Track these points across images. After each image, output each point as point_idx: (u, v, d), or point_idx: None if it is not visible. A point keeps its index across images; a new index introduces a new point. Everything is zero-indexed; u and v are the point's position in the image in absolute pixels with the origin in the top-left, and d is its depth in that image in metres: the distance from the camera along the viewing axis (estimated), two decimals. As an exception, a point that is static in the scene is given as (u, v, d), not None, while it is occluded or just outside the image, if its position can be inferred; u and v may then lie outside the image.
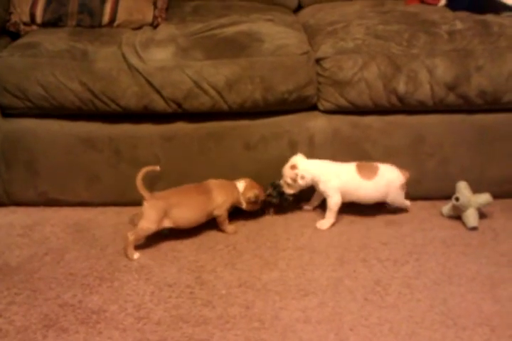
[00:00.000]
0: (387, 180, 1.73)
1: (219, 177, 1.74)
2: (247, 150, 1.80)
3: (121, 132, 1.77)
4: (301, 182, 1.72)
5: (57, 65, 1.69)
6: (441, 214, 1.80)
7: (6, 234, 1.74)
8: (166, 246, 1.67)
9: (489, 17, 1.88)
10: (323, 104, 1.78)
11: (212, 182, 1.71)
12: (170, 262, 1.60)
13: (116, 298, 1.46)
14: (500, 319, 1.39)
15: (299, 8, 2.24)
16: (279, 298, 1.46)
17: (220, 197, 1.69)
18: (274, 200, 1.78)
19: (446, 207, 1.79)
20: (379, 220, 1.80)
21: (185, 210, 1.63)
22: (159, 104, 1.70)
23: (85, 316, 1.40)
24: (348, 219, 1.81)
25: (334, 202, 1.75)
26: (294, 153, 1.79)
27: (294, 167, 1.73)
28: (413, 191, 1.82)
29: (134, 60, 1.68)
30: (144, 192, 1.59)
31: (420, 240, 1.70)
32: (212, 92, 1.69)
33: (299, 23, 2.01)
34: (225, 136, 1.78)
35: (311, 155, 1.80)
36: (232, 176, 1.77)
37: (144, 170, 1.61)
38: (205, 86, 1.68)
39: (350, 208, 1.82)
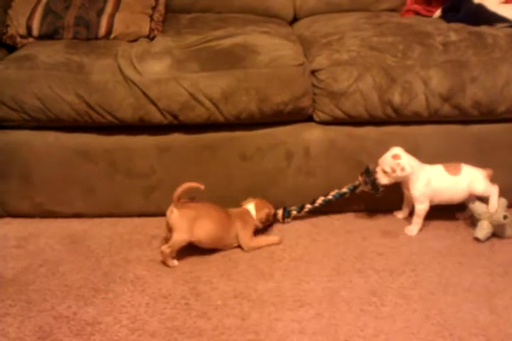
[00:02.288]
0: (471, 173, 1.74)
1: (215, 188, 1.74)
2: (243, 161, 1.80)
3: (116, 144, 1.77)
4: (399, 174, 1.69)
5: (54, 78, 1.70)
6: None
7: (0, 245, 1.73)
8: (161, 256, 1.66)
9: (483, 28, 1.90)
10: (318, 115, 1.79)
11: (233, 212, 1.72)
12: (165, 273, 1.59)
13: (110, 309, 1.45)
14: (496, 329, 1.39)
15: (294, 20, 2.26)
16: (275, 309, 1.45)
17: (240, 225, 1.69)
18: (367, 188, 1.75)
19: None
20: (375, 230, 1.80)
21: (211, 224, 1.62)
22: (155, 116, 1.70)
23: (80, 328, 1.39)
24: (344, 229, 1.81)
25: (423, 208, 1.75)
26: (290, 164, 1.80)
27: (396, 157, 1.70)
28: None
29: (130, 72, 1.69)
30: (176, 201, 1.59)
31: (416, 250, 1.70)
32: (208, 104, 1.70)
33: (295, 35, 2.02)
34: (221, 147, 1.79)
35: (306, 166, 1.80)
36: (228, 187, 1.78)
37: (188, 185, 1.59)
38: (201, 98, 1.69)
39: (346, 218, 1.83)
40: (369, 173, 1.73)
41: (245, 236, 1.69)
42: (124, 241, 1.70)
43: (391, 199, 1.83)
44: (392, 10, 2.24)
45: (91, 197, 1.82)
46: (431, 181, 1.73)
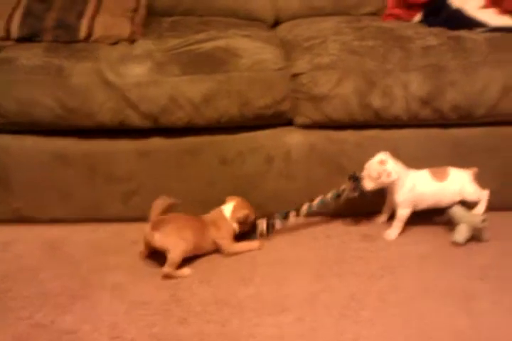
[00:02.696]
0: (459, 177, 1.75)
1: (196, 192, 1.74)
2: (223, 165, 1.80)
3: (96, 148, 1.76)
4: (385, 180, 1.69)
5: (33, 81, 1.68)
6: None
7: (-22, 252, 1.71)
8: (141, 263, 1.65)
9: (463, 33, 1.91)
10: (299, 119, 1.79)
11: (207, 218, 1.71)
12: (145, 279, 1.58)
13: (89, 317, 1.44)
14: (475, 333, 1.40)
15: (276, 23, 2.26)
16: (255, 315, 1.45)
17: (215, 231, 1.68)
18: (354, 194, 1.73)
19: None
20: (354, 234, 1.80)
21: (189, 234, 1.61)
22: (135, 120, 1.69)
23: (57, 337, 1.37)
24: (324, 233, 1.81)
25: (405, 213, 1.76)
26: (270, 168, 1.80)
27: (383, 162, 1.70)
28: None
29: (110, 76, 1.68)
30: (155, 216, 1.58)
31: (395, 254, 1.70)
32: (189, 107, 1.69)
33: (277, 39, 2.02)
34: (201, 151, 1.78)
35: (287, 170, 1.80)
36: (208, 191, 1.77)
37: (170, 201, 1.60)
38: (182, 101, 1.68)
39: (326, 222, 1.84)
40: (356, 179, 1.72)
41: (223, 242, 1.69)
42: (104, 247, 1.68)
43: (371, 203, 1.84)
44: (374, 14, 2.25)
45: (70, 202, 1.80)
46: (415, 187, 1.74)
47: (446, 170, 1.77)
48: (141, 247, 1.67)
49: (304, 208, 1.76)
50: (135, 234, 1.75)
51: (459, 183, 1.75)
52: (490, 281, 1.59)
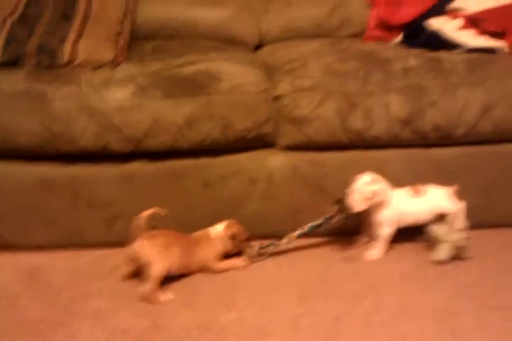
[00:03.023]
0: (436, 193, 1.77)
1: (178, 215, 1.73)
2: (206, 189, 1.80)
3: (79, 173, 1.75)
4: (377, 200, 1.70)
5: (15, 106, 1.68)
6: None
7: (-43, 279, 1.69)
8: (122, 288, 1.63)
9: (442, 54, 1.94)
10: (281, 141, 1.81)
11: (195, 236, 1.71)
12: (126, 305, 1.56)
13: (70, 345, 1.42)
14: (459, 353, 1.40)
15: (258, 46, 2.29)
16: (238, 340, 1.44)
17: (200, 251, 1.68)
18: (341, 218, 1.72)
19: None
20: (338, 255, 1.80)
21: (177, 251, 1.61)
22: (118, 144, 1.69)
23: (37, 366, 1.36)
24: (307, 254, 1.81)
25: (389, 232, 1.76)
26: (253, 190, 1.80)
27: (369, 183, 1.70)
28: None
29: (92, 100, 1.69)
30: (142, 232, 1.58)
31: (379, 274, 1.70)
32: (172, 131, 1.70)
33: (258, 62, 2.04)
34: (184, 174, 1.78)
35: (270, 192, 1.81)
36: (191, 215, 1.77)
37: (150, 211, 1.59)
38: (165, 124, 1.69)
39: (310, 244, 1.83)
40: (343, 202, 1.72)
41: (208, 261, 1.68)
42: (85, 274, 1.67)
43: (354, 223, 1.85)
44: (355, 36, 2.28)
45: (53, 228, 1.79)
46: (399, 206, 1.75)
47: (424, 187, 1.78)
48: (123, 272, 1.66)
49: (294, 234, 1.75)
50: (117, 259, 1.74)
51: (436, 198, 1.77)
52: (474, 299, 1.59)
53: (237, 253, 1.77)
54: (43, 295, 1.61)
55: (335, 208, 1.73)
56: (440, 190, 1.78)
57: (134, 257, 1.60)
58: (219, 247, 1.71)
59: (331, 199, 1.74)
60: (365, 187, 1.70)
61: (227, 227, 1.72)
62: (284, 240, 1.76)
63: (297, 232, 1.76)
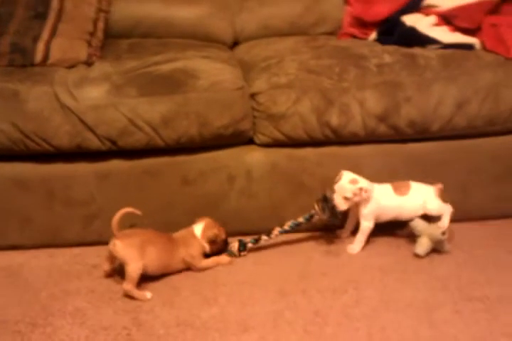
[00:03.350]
0: (421, 192, 1.78)
1: (157, 213, 1.73)
2: (184, 186, 1.79)
3: (54, 172, 1.74)
4: (363, 197, 1.71)
5: (-13, 106, 1.66)
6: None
7: None
8: (101, 286, 1.63)
9: (416, 50, 1.96)
10: (259, 138, 1.81)
11: (176, 236, 1.71)
12: (105, 304, 1.55)
13: (49, 344, 1.41)
14: (437, 343, 1.41)
15: (235, 44, 2.29)
16: (219, 335, 1.44)
17: (184, 249, 1.67)
18: (325, 216, 1.73)
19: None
20: (318, 250, 1.82)
21: (156, 251, 1.60)
22: (93, 143, 1.68)
23: (15, 366, 1.34)
24: (287, 250, 1.82)
25: (368, 226, 1.78)
26: (232, 187, 1.80)
27: (354, 181, 1.71)
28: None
29: (66, 99, 1.67)
30: (117, 231, 1.56)
31: (358, 268, 1.72)
32: (148, 129, 1.69)
33: (235, 59, 2.05)
34: (161, 172, 1.78)
35: (249, 189, 1.81)
36: (170, 212, 1.76)
37: (124, 211, 1.58)
38: (140, 123, 1.68)
39: (290, 239, 1.84)
40: (327, 201, 1.73)
41: (192, 259, 1.68)
42: (63, 273, 1.65)
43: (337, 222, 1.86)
44: (330, 33, 2.29)
45: (28, 227, 1.77)
46: (380, 200, 1.77)
47: (408, 185, 1.80)
48: (101, 271, 1.65)
49: (276, 231, 1.76)
50: (95, 258, 1.74)
51: (421, 198, 1.79)
52: (451, 291, 1.61)
53: (218, 252, 1.77)
54: (21, 294, 1.60)
55: (319, 206, 1.74)
56: (426, 188, 1.80)
57: (113, 254, 1.59)
58: (200, 246, 1.71)
59: (315, 198, 1.75)
60: (350, 187, 1.71)
61: (205, 230, 1.71)
62: (265, 237, 1.77)
63: (279, 230, 1.76)
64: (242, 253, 1.78)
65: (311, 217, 1.76)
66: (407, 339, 1.43)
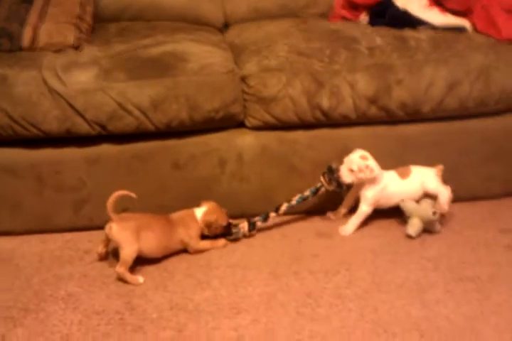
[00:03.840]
0: (421, 173, 1.80)
1: (148, 198, 1.72)
2: (175, 170, 1.79)
3: (43, 157, 1.72)
4: (367, 175, 1.71)
5: (-25, 91, 1.64)
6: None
7: None
8: (94, 271, 1.63)
9: (407, 32, 1.96)
10: (250, 121, 1.80)
11: (175, 216, 1.71)
12: (98, 288, 1.55)
13: (42, 329, 1.40)
14: (429, 323, 1.43)
15: (225, 27, 2.27)
16: (212, 318, 1.44)
17: (183, 230, 1.67)
18: (332, 187, 1.75)
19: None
20: (310, 232, 1.82)
21: (153, 234, 1.60)
22: (82, 127, 1.67)
23: (8, 352, 1.34)
24: (280, 232, 1.82)
25: (368, 211, 1.79)
26: (223, 170, 1.80)
27: (364, 157, 1.72)
28: (341, 202, 1.87)
29: (54, 84, 1.65)
30: (113, 214, 1.56)
31: (350, 250, 1.73)
32: (137, 113, 1.68)
33: (225, 42, 2.03)
34: (152, 156, 1.77)
35: (240, 172, 1.81)
36: (161, 196, 1.76)
37: (118, 193, 1.57)
38: (130, 107, 1.67)
39: (282, 221, 1.85)
40: (332, 172, 1.74)
41: (189, 240, 1.68)
42: (55, 258, 1.65)
43: (325, 200, 1.86)
44: (321, 15, 2.27)
45: (18, 213, 1.76)
46: (387, 187, 1.78)
47: (409, 169, 1.82)
48: (93, 256, 1.65)
49: (284, 207, 1.77)
50: (87, 243, 1.74)
51: (420, 179, 1.80)
52: (442, 272, 1.62)
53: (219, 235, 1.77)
54: (12, 280, 1.59)
55: (325, 178, 1.75)
56: (425, 170, 1.81)
57: (109, 237, 1.59)
58: (199, 228, 1.71)
59: (323, 169, 1.76)
60: (358, 161, 1.72)
61: (206, 214, 1.71)
62: (273, 214, 1.77)
63: (286, 205, 1.77)
64: (252, 232, 1.78)
65: (318, 189, 1.77)
66: (400, 319, 1.44)
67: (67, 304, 1.49)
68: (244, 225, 1.77)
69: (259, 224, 1.78)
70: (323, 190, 1.77)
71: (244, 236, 1.78)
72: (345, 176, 1.73)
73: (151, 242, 1.60)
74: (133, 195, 1.59)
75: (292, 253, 1.71)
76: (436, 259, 1.68)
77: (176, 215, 1.71)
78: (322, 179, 1.76)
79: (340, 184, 1.74)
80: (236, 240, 1.77)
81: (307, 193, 1.77)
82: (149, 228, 1.60)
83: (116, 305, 1.49)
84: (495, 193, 1.99)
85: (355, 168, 1.71)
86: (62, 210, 1.77)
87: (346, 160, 1.74)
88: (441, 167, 1.81)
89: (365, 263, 1.66)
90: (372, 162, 1.73)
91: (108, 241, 1.62)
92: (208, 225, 1.71)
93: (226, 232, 1.75)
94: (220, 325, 1.42)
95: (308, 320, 1.44)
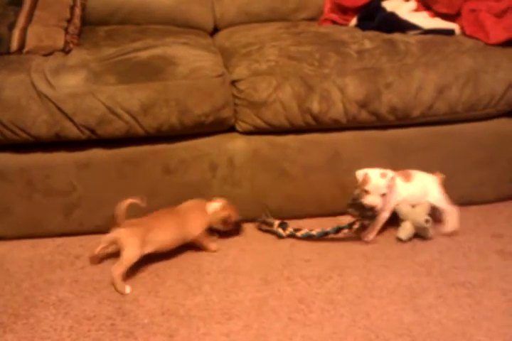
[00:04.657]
0: (423, 179, 1.81)
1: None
2: (166, 175, 1.78)
3: (33, 162, 1.71)
4: (391, 186, 1.70)
5: (-37, 95, 1.62)
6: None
7: None
8: (85, 277, 1.62)
9: (396, 36, 1.96)
10: (240, 126, 1.80)
11: (185, 206, 1.73)
12: (89, 294, 1.54)
13: (32, 335, 1.39)
14: (420, 328, 1.43)
15: (215, 30, 2.27)
16: (203, 324, 1.44)
17: (193, 219, 1.69)
18: (368, 220, 1.73)
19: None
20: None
21: (160, 232, 1.62)
22: (72, 131, 1.65)
23: (-2, 358, 1.33)
24: (272, 237, 1.82)
25: (387, 216, 1.78)
26: (214, 175, 1.80)
27: (384, 175, 1.69)
28: (335, 207, 1.87)
29: (43, 87, 1.64)
30: (121, 220, 1.56)
31: (342, 255, 1.73)
32: (127, 117, 1.67)
33: (215, 46, 2.03)
34: (142, 160, 1.76)
35: (231, 176, 1.81)
36: (152, 201, 1.74)
37: (129, 200, 1.58)
38: (119, 111, 1.66)
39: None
40: (362, 207, 1.69)
41: (198, 230, 1.70)
42: (45, 263, 1.63)
43: (315, 205, 1.87)
44: (311, 19, 2.28)
45: (8, 218, 1.74)
46: (400, 192, 1.78)
47: (409, 172, 1.82)
48: (84, 261, 1.63)
49: (303, 232, 1.78)
50: (78, 247, 1.72)
51: (423, 184, 1.81)
52: (433, 277, 1.63)
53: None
54: (2, 285, 1.58)
55: (353, 214, 1.72)
56: (427, 176, 1.83)
57: (114, 243, 1.60)
58: (207, 221, 1.73)
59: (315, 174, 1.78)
60: (382, 182, 1.69)
61: (220, 210, 1.74)
62: (287, 232, 1.79)
63: (303, 232, 1.78)
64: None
65: (340, 228, 1.74)
66: (392, 324, 1.44)
67: (57, 309, 1.48)
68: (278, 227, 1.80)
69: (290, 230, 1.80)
70: (356, 226, 1.73)
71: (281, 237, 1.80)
72: (379, 203, 1.69)
73: (161, 239, 1.62)
74: (143, 202, 1.60)
75: (284, 258, 1.71)
76: (428, 264, 1.68)
77: (186, 205, 1.73)
78: (350, 218, 1.72)
79: (374, 214, 1.71)
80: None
81: (329, 229, 1.75)
82: (158, 227, 1.62)
83: (108, 310, 1.48)
84: (487, 198, 2.00)
85: (385, 190, 1.69)
86: (52, 215, 1.76)
87: (372, 188, 1.68)
88: (442, 176, 1.82)
89: (357, 268, 1.66)
90: (389, 172, 1.72)
91: (109, 244, 1.62)
92: (225, 220, 1.73)
93: (235, 228, 1.79)
94: (212, 331, 1.41)
95: (300, 326, 1.43)
